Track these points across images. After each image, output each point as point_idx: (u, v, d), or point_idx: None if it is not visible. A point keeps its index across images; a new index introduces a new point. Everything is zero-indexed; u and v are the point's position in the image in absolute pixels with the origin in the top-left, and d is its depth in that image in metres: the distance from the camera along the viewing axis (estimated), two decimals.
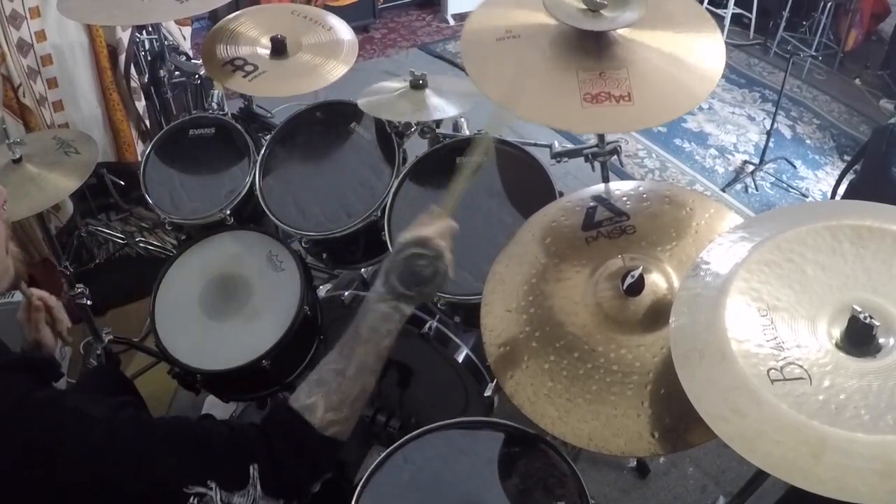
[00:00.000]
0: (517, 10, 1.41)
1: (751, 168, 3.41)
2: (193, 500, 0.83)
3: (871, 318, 0.80)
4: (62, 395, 0.87)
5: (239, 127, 1.86)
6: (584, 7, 1.30)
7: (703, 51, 1.32)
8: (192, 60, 2.56)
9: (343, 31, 1.95)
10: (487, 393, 1.58)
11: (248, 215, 1.80)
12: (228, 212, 1.73)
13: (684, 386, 0.86)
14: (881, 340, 0.81)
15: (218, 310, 1.56)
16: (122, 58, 2.53)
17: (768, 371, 0.81)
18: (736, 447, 0.77)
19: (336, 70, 1.83)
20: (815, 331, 0.84)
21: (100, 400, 0.88)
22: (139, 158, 2.51)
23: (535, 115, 1.32)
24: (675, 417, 0.95)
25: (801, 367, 0.80)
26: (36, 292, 1.24)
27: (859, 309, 0.81)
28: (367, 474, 1.10)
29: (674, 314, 0.94)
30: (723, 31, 4.56)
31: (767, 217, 1.01)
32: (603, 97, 1.25)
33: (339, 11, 2.01)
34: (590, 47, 1.31)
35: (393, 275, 0.96)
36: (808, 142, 3.74)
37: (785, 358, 0.81)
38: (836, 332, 0.83)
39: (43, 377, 0.93)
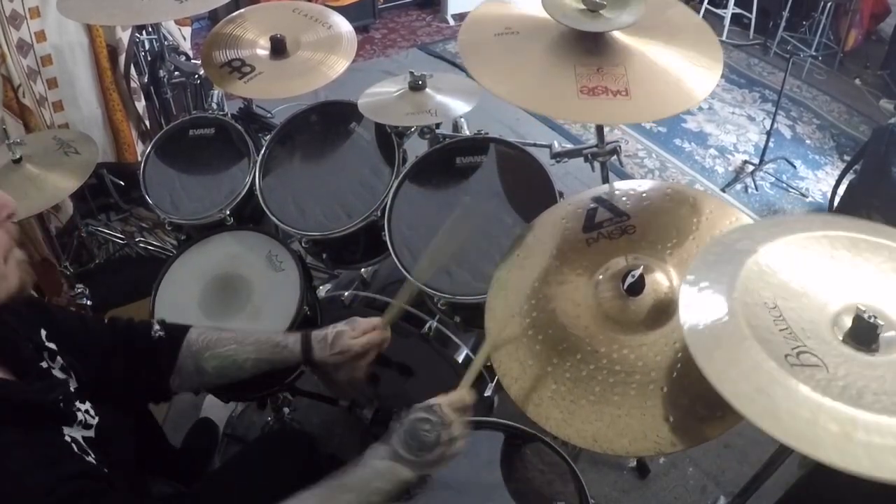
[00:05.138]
0: (516, 9, 1.41)
1: (751, 168, 3.40)
2: None
3: (875, 318, 0.80)
4: (9, 450, 0.79)
5: (239, 127, 1.86)
6: (582, 7, 1.30)
7: (701, 54, 1.32)
8: (192, 60, 2.56)
9: (342, 25, 1.93)
10: (487, 393, 1.58)
11: (248, 215, 1.80)
12: (228, 212, 1.73)
13: (701, 367, 0.81)
14: (884, 335, 0.81)
15: (218, 310, 1.55)
16: (122, 58, 2.52)
17: (785, 356, 0.79)
18: (766, 427, 0.73)
19: (337, 65, 1.81)
20: (820, 328, 0.84)
21: (51, 466, 0.81)
22: (139, 158, 2.51)
23: (529, 103, 1.32)
24: (679, 416, 0.95)
25: (815, 356, 0.79)
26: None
27: (863, 308, 0.81)
28: None
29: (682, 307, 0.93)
30: (723, 32, 4.56)
31: (762, 225, 1.01)
32: (600, 91, 1.25)
33: (340, 11, 1.99)
34: (588, 46, 1.31)
35: (396, 435, 0.96)
36: (808, 142, 3.73)
37: (797, 347, 0.80)
38: (841, 332, 0.83)
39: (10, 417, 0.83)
